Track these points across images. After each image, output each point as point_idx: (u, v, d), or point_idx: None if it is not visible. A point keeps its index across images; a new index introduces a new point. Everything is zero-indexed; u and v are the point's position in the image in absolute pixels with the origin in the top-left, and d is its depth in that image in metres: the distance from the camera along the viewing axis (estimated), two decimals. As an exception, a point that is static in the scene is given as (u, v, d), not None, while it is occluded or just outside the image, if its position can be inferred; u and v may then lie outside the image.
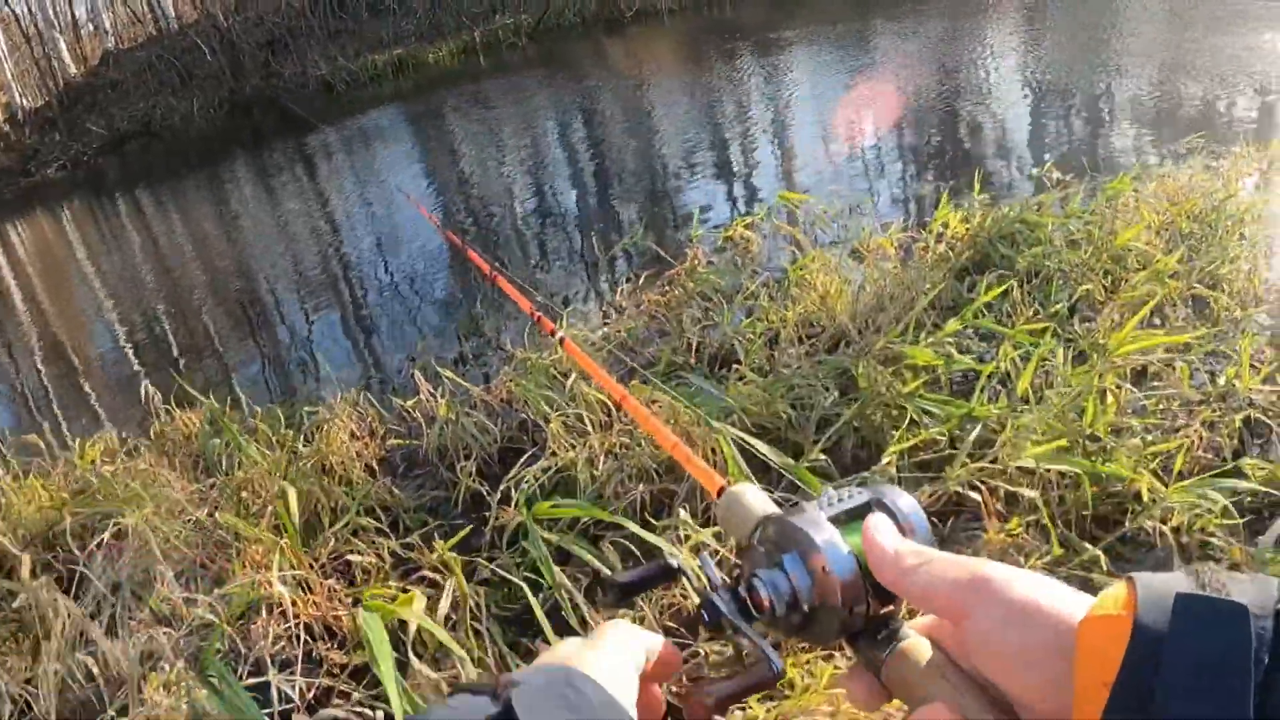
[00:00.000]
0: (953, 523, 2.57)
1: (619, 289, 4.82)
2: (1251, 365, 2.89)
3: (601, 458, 2.97)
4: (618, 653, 0.61)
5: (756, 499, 0.79)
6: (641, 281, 4.72)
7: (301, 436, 3.61)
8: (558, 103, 11.24)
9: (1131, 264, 3.68)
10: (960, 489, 2.57)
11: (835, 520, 0.66)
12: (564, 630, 2.28)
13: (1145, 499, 2.45)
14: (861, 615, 0.63)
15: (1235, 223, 3.87)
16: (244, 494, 3.21)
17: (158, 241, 9.27)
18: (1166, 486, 2.43)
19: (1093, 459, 2.55)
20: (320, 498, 3.12)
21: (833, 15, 13.01)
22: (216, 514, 3.00)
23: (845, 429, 2.95)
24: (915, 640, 0.61)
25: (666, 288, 4.50)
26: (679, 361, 3.72)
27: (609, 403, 3.33)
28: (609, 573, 2.43)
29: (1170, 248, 3.73)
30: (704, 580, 0.71)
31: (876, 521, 0.63)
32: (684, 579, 0.72)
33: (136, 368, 5.92)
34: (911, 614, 0.64)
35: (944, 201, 4.47)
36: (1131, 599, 0.46)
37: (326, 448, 3.44)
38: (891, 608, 0.64)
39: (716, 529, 2.38)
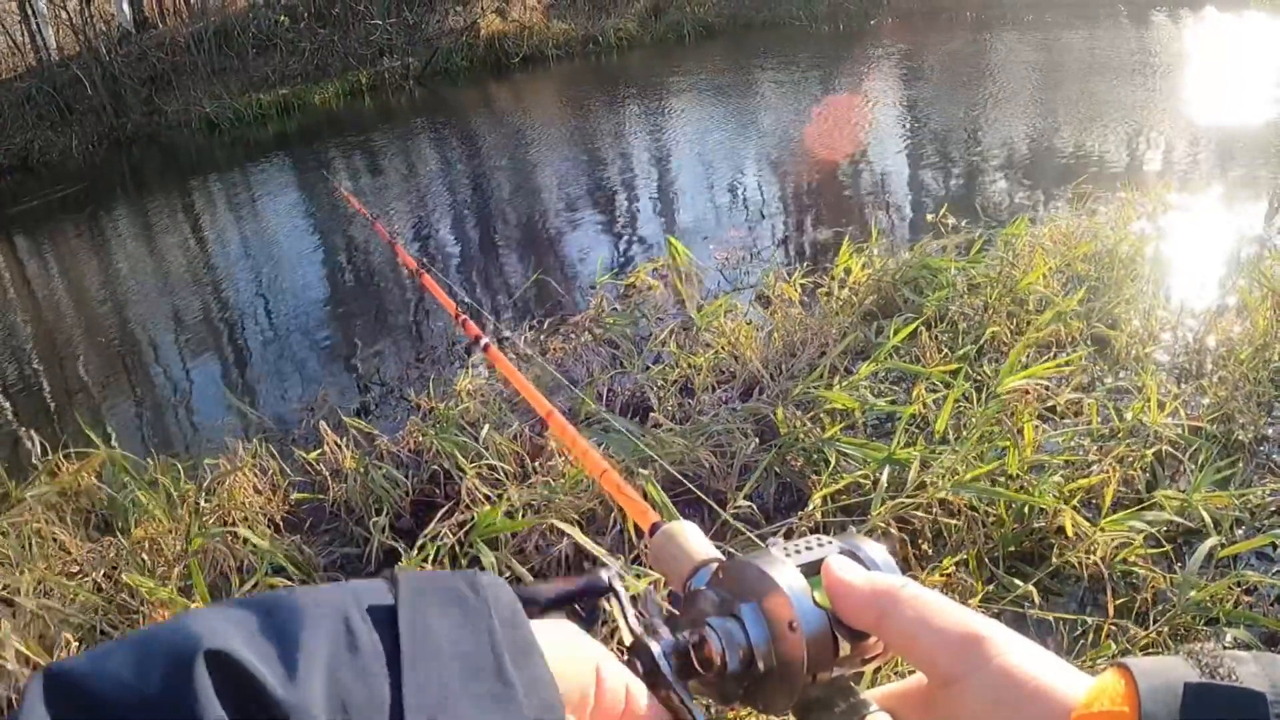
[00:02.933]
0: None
1: (523, 338, 4.74)
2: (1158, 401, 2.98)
3: (522, 511, 2.88)
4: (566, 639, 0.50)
5: (695, 538, 0.70)
6: (545, 329, 4.66)
7: (203, 491, 3.42)
8: (443, 149, 11.15)
9: (1033, 306, 3.77)
10: (885, 526, 2.58)
11: (803, 570, 0.57)
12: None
13: (1070, 534, 2.49)
14: (825, 683, 0.54)
15: (1128, 264, 4.01)
16: (145, 554, 3.02)
17: (31, 283, 8.84)
18: (1090, 522, 2.48)
19: (1015, 494, 2.59)
20: (227, 556, 2.95)
21: (717, 65, 13.24)
22: (120, 574, 2.81)
23: (768, 475, 2.93)
24: (878, 717, 0.53)
25: (572, 335, 4.45)
26: (593, 410, 3.67)
27: (523, 454, 3.25)
28: (530, 583, 2.35)
29: (1068, 289, 3.84)
30: (640, 618, 0.59)
31: (840, 560, 0.55)
32: (616, 602, 0.60)
33: (10, 418, 5.59)
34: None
35: (845, 248, 4.53)
36: (1131, 693, 0.41)
37: (230, 503, 3.27)
38: (853, 672, 0.56)
39: (653, 577, 2.31)
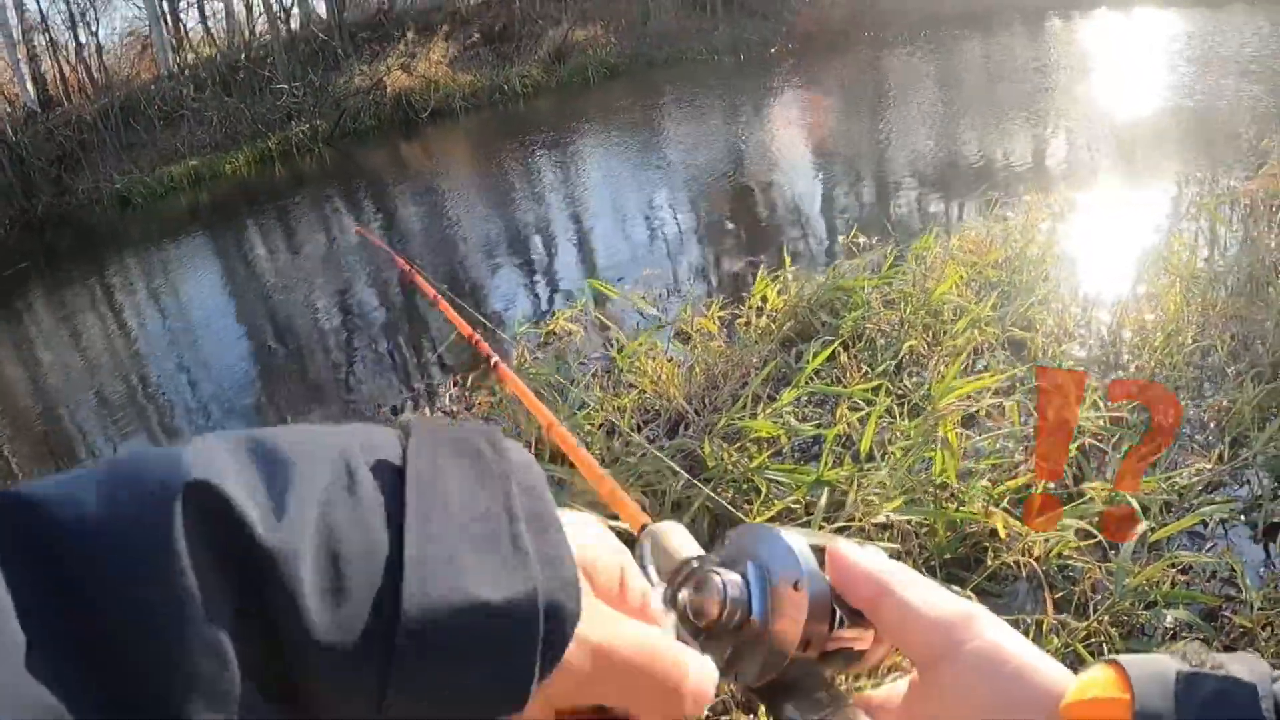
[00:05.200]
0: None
1: (446, 393, 4.68)
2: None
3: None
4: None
5: (680, 538, 0.64)
6: (469, 384, 4.60)
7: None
8: (357, 211, 11.08)
9: (948, 316, 3.81)
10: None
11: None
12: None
13: (1003, 535, 2.50)
14: (810, 660, 0.52)
15: (1038, 266, 4.08)
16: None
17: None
18: (1021, 522, 2.49)
19: (945, 506, 2.59)
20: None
21: (622, 105, 13.34)
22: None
23: (700, 510, 2.91)
24: (853, 711, 0.51)
25: (495, 388, 4.39)
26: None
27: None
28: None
29: (981, 297, 3.88)
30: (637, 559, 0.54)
31: (846, 543, 0.54)
32: None
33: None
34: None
35: (760, 276, 4.55)
36: (1123, 680, 0.41)
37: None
38: (832, 672, 0.54)
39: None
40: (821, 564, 0.53)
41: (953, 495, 2.69)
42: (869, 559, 0.52)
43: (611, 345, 4.57)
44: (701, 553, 0.60)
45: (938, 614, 0.48)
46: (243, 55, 17.88)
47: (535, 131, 12.81)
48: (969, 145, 7.56)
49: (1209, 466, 2.85)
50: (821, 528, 2.61)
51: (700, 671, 0.43)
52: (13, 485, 0.31)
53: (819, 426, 3.24)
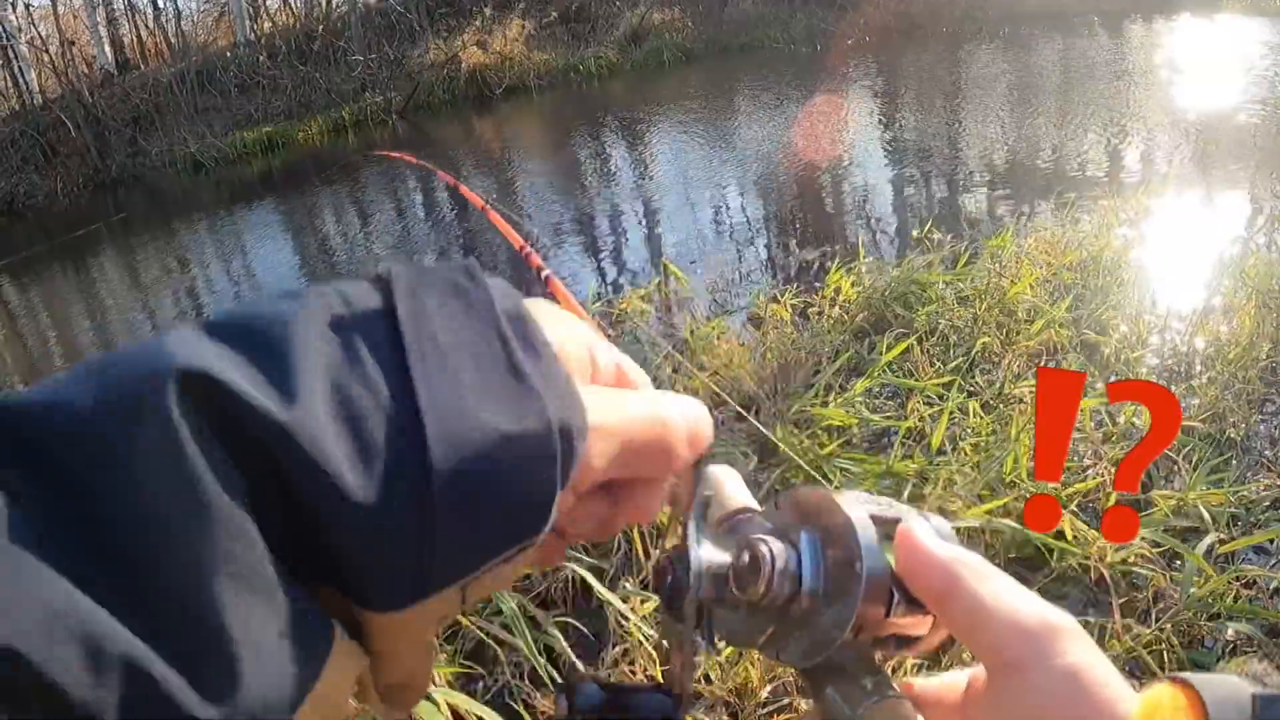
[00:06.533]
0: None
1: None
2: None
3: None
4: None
5: (734, 485, 0.58)
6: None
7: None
8: (427, 183, 11.18)
9: (1021, 316, 3.82)
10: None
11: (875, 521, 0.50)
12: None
13: (1069, 538, 2.53)
14: (863, 644, 0.48)
15: (1113, 270, 4.07)
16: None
17: (20, 331, 8.83)
18: (1089, 525, 2.53)
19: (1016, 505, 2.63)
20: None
21: (697, 89, 13.34)
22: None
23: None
24: (899, 703, 0.47)
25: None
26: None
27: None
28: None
29: (1055, 298, 3.89)
30: (678, 529, 0.49)
31: (920, 523, 0.50)
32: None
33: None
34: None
35: (835, 267, 4.58)
36: (1195, 703, 0.40)
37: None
38: (891, 651, 0.50)
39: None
40: (887, 535, 0.49)
41: (1021, 496, 2.72)
42: (941, 547, 0.48)
43: (683, 327, 4.63)
44: (755, 506, 0.56)
45: (1019, 620, 0.44)
46: (319, 26, 18.09)
47: (609, 112, 12.85)
48: (1044, 146, 7.50)
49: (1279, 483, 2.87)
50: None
51: (684, 417, 0.43)
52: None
53: (890, 418, 3.29)
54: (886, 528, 0.49)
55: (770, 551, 0.47)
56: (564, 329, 0.41)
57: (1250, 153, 6.41)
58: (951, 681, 0.50)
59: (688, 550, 0.46)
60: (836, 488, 0.52)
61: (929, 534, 0.48)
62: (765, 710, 2.19)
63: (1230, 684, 0.40)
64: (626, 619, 2.40)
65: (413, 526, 0.32)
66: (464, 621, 2.42)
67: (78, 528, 0.28)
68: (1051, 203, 5.56)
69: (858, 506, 0.48)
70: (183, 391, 0.29)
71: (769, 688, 2.22)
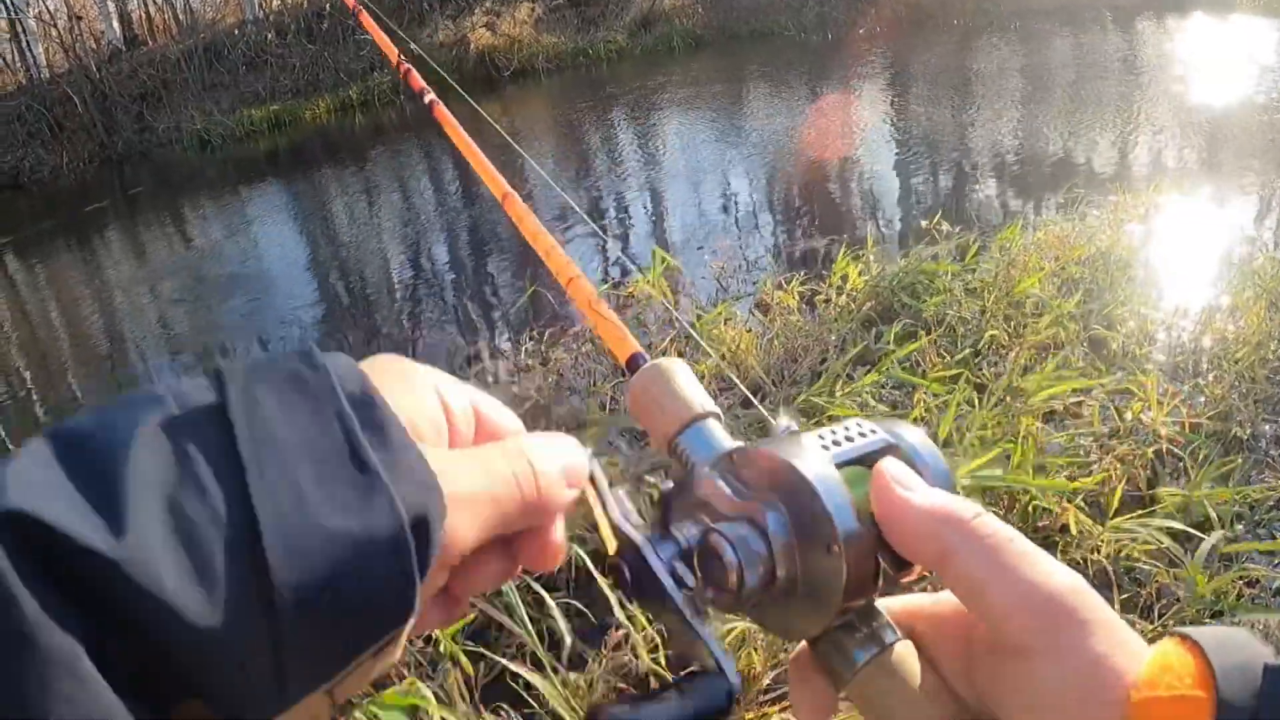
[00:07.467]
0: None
1: (523, 348, 4.76)
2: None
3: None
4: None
5: (688, 382, 0.55)
6: (545, 340, 4.68)
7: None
8: (433, 164, 11.16)
9: (1029, 309, 3.81)
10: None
11: (844, 467, 0.45)
12: None
13: (1074, 532, 2.53)
14: (860, 608, 0.45)
15: (1122, 267, 4.07)
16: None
17: (23, 303, 8.83)
18: (1094, 520, 2.53)
19: (1020, 498, 2.64)
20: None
21: (707, 75, 13.28)
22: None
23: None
24: (904, 650, 0.44)
25: (573, 346, 4.47)
26: (598, 418, 3.70)
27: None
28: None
29: (1063, 293, 3.89)
30: (604, 511, 0.46)
31: (896, 468, 0.44)
32: (593, 491, 0.47)
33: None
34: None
35: (842, 254, 4.57)
36: (1203, 671, 0.36)
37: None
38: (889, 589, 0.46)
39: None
40: (864, 472, 0.45)
41: (1026, 489, 2.72)
42: (928, 499, 0.43)
43: (689, 312, 4.63)
44: (711, 406, 0.54)
45: (1024, 599, 0.40)
46: (328, 4, 18.01)
47: (617, 97, 12.81)
48: (1054, 140, 7.48)
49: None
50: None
51: (552, 460, 0.42)
52: None
53: (895, 408, 3.28)
54: (863, 464, 0.46)
55: (730, 545, 0.44)
56: (413, 394, 0.40)
57: (1261, 152, 6.40)
58: (952, 601, 0.45)
59: (630, 543, 0.45)
60: (794, 431, 0.49)
61: (908, 479, 0.44)
62: (768, 696, 2.19)
63: (1241, 646, 0.37)
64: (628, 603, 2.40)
65: (262, 643, 0.31)
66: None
67: None
68: (1060, 197, 5.55)
69: (824, 466, 0.44)
70: (13, 534, 0.28)
71: (771, 674, 2.22)
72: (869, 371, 3.39)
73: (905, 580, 0.45)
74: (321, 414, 0.35)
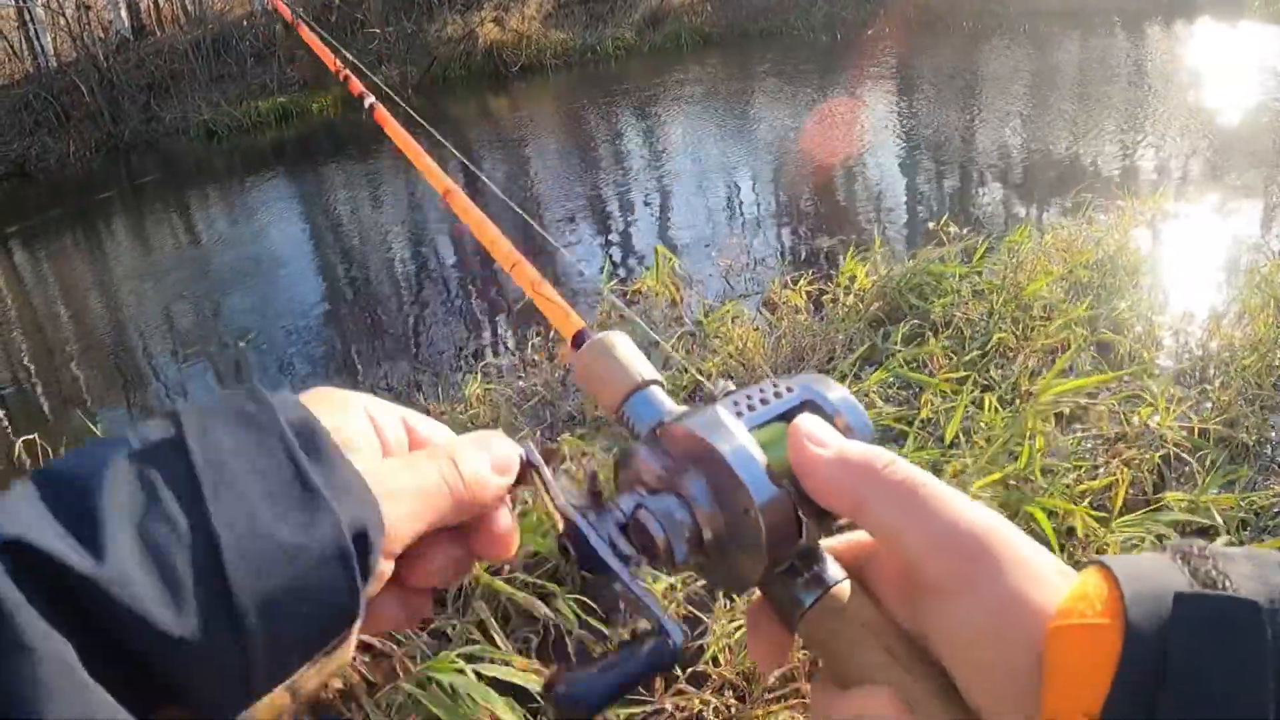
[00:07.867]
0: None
1: (529, 344, 4.76)
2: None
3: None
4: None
5: (631, 353, 0.58)
6: (552, 337, 4.68)
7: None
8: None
9: (1037, 312, 3.82)
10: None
11: (760, 429, 0.48)
12: None
13: (1080, 534, 2.54)
14: (788, 557, 0.47)
15: (1130, 271, 4.07)
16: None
17: (28, 293, 8.84)
18: (1099, 523, 2.53)
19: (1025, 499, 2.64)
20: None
21: (715, 74, 13.29)
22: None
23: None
24: (846, 588, 0.46)
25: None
26: (601, 417, 3.70)
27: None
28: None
29: (1071, 295, 3.89)
30: (543, 487, 0.50)
31: (809, 424, 0.47)
32: (537, 477, 0.50)
33: (4, 426, 5.57)
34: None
35: (850, 254, 4.57)
36: (1114, 600, 0.37)
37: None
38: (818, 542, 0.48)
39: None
40: (783, 426, 0.48)
41: (1034, 490, 2.73)
42: (839, 451, 0.45)
43: (697, 309, 4.63)
44: (653, 374, 0.57)
45: (938, 543, 0.41)
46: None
47: (625, 94, 12.80)
48: (1062, 144, 7.48)
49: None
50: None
51: (477, 455, 0.47)
52: None
53: (903, 408, 3.29)
54: (785, 419, 0.48)
55: (656, 520, 0.47)
56: (346, 415, 0.45)
57: (1269, 158, 6.39)
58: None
59: (571, 524, 0.48)
60: (728, 393, 0.51)
61: (824, 435, 0.46)
62: (772, 694, 2.19)
63: (1155, 575, 0.37)
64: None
65: (229, 646, 0.35)
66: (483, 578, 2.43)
67: None
68: (1068, 201, 5.55)
69: (736, 436, 0.47)
70: (13, 559, 0.32)
71: (777, 671, 2.22)
72: (876, 371, 3.39)
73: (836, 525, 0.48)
74: (267, 442, 0.40)
